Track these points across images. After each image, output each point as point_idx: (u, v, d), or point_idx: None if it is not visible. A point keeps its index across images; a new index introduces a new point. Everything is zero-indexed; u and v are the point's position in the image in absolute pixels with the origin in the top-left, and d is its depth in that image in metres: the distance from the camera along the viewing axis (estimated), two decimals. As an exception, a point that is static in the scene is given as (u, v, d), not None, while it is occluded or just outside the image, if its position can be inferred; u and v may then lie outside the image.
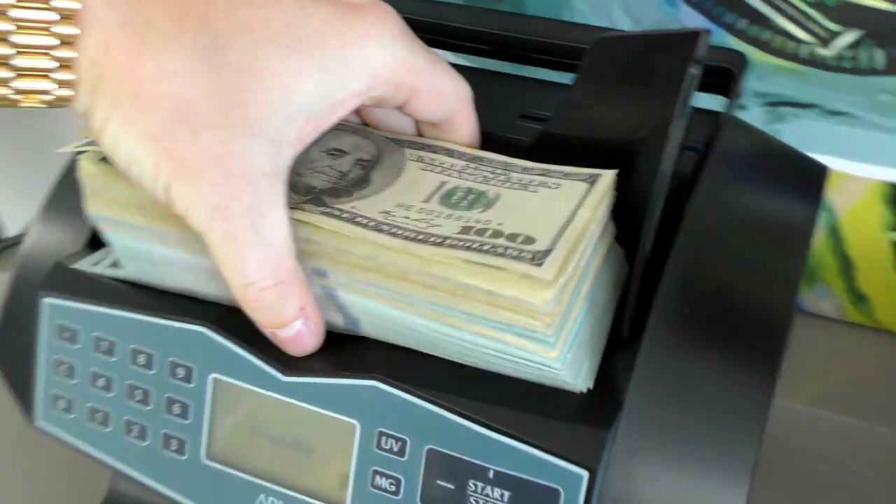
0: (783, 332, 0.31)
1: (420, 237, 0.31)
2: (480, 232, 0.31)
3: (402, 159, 0.35)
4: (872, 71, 0.51)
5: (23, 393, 0.38)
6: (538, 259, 0.29)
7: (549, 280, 0.28)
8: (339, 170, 0.34)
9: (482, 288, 0.29)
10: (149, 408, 0.35)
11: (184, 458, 0.35)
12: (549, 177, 0.33)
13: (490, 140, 0.36)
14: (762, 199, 0.35)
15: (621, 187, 0.32)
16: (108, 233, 0.35)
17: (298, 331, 0.32)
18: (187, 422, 0.34)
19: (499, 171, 0.34)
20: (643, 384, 0.30)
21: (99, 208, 0.35)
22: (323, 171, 0.34)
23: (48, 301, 0.36)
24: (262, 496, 0.34)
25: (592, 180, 0.32)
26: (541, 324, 0.29)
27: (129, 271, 0.36)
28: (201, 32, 0.30)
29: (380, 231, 0.31)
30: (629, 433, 0.29)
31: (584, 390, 0.30)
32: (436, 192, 0.33)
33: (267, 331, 0.32)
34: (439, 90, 0.34)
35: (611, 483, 0.29)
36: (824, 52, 0.51)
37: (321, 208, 0.32)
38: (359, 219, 0.31)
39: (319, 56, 0.30)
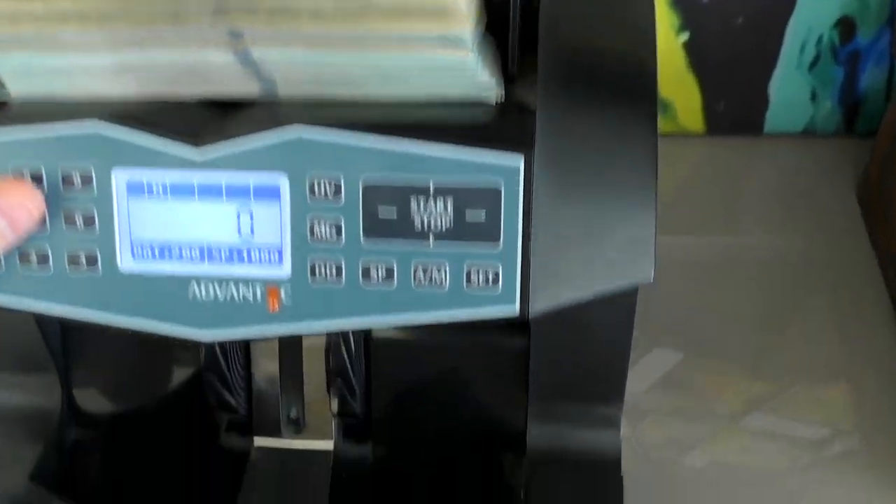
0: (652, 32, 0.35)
1: None
2: None
3: None
4: None
5: None
6: None
7: None
8: None
9: (401, 4, 0.30)
10: (45, 232, 0.33)
11: (98, 273, 0.33)
12: None
13: None
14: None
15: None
16: None
17: None
18: (95, 232, 0.32)
19: None
20: (549, 84, 0.32)
21: None
22: None
23: None
24: (192, 285, 0.33)
25: None
26: (459, 25, 0.30)
27: (16, 91, 0.33)
28: None
29: None
30: (547, 123, 0.31)
31: (499, 99, 0.32)
32: None
33: None
34: None
35: (542, 164, 0.31)
36: None
37: None
38: None
39: None
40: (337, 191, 0.31)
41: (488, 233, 0.31)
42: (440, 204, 0.31)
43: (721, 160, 0.65)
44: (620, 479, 0.41)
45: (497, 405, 0.43)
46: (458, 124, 0.31)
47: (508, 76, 0.34)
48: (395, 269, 0.31)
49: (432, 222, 0.31)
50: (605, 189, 0.31)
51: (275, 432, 0.45)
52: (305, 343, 0.43)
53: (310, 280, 0.32)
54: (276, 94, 0.33)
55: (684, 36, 0.60)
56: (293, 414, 0.45)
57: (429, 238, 0.31)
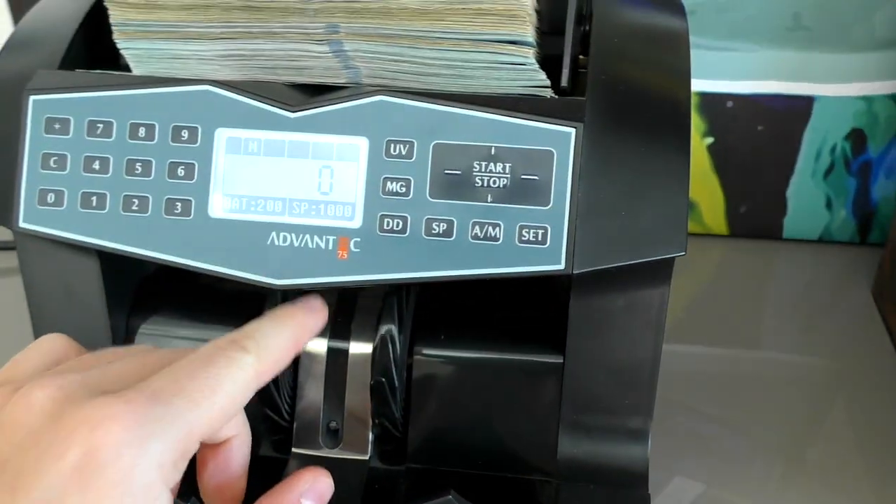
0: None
1: None
2: None
3: None
4: None
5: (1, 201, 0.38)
6: None
7: None
8: None
9: (475, 6, 0.36)
10: (150, 178, 0.37)
11: (189, 218, 0.37)
12: None
13: None
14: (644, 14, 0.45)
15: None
16: (124, 40, 0.38)
17: None
18: (193, 182, 0.37)
19: None
20: (597, 82, 0.37)
21: (121, 14, 0.38)
22: None
23: (35, 98, 0.38)
24: (272, 235, 0.36)
25: None
26: (524, 27, 0.36)
27: (138, 73, 0.39)
28: None
29: None
30: (597, 104, 0.36)
31: (553, 95, 0.37)
32: None
33: None
34: None
35: (591, 140, 0.35)
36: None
37: None
38: None
39: None
40: (409, 151, 0.36)
41: (540, 194, 0.35)
42: (499, 166, 0.35)
43: (743, 264, 0.69)
44: (647, 497, 0.42)
45: (528, 428, 0.44)
46: (520, 100, 0.36)
47: (561, 91, 0.39)
48: (456, 224, 0.35)
49: (491, 182, 0.35)
50: (643, 168, 0.35)
51: (312, 443, 0.47)
52: (352, 352, 0.46)
53: (378, 232, 0.36)
54: (359, 80, 0.38)
55: (709, 140, 0.66)
56: (333, 425, 0.47)
57: (487, 197, 0.35)
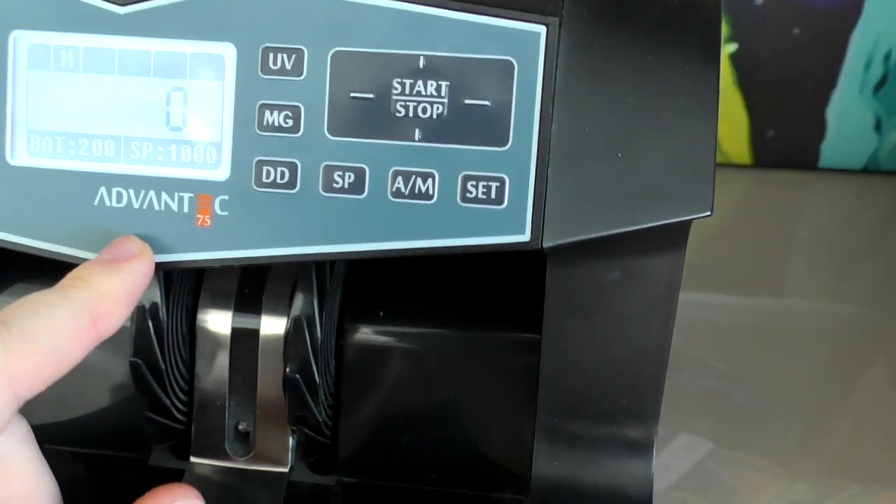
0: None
1: None
2: None
3: None
4: None
5: None
6: None
7: None
8: None
9: None
10: (-81, 108, 0.25)
11: (-21, 167, 0.25)
12: None
13: None
14: None
15: None
16: None
17: None
18: (-19, 112, 0.25)
19: None
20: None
21: None
22: None
23: None
24: (101, 191, 0.25)
25: None
26: None
27: None
28: None
29: None
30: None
31: None
32: None
33: None
34: None
35: (570, 45, 0.23)
36: None
37: None
38: None
39: None
40: (298, 65, 0.24)
41: (494, 129, 0.24)
42: (432, 86, 0.24)
43: (769, 199, 0.61)
44: None
45: (495, 430, 0.35)
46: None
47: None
48: (368, 175, 0.24)
49: (421, 111, 0.24)
50: (650, 88, 0.24)
51: (216, 450, 0.37)
52: (263, 332, 0.36)
53: (254, 186, 0.24)
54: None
55: (732, 47, 0.56)
56: (242, 426, 0.37)
57: (414, 134, 0.24)
